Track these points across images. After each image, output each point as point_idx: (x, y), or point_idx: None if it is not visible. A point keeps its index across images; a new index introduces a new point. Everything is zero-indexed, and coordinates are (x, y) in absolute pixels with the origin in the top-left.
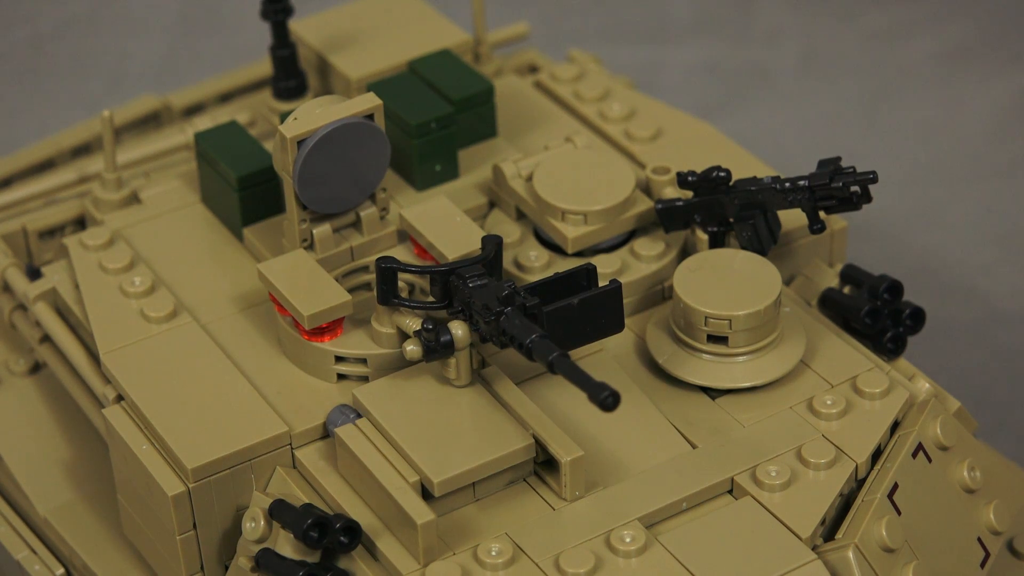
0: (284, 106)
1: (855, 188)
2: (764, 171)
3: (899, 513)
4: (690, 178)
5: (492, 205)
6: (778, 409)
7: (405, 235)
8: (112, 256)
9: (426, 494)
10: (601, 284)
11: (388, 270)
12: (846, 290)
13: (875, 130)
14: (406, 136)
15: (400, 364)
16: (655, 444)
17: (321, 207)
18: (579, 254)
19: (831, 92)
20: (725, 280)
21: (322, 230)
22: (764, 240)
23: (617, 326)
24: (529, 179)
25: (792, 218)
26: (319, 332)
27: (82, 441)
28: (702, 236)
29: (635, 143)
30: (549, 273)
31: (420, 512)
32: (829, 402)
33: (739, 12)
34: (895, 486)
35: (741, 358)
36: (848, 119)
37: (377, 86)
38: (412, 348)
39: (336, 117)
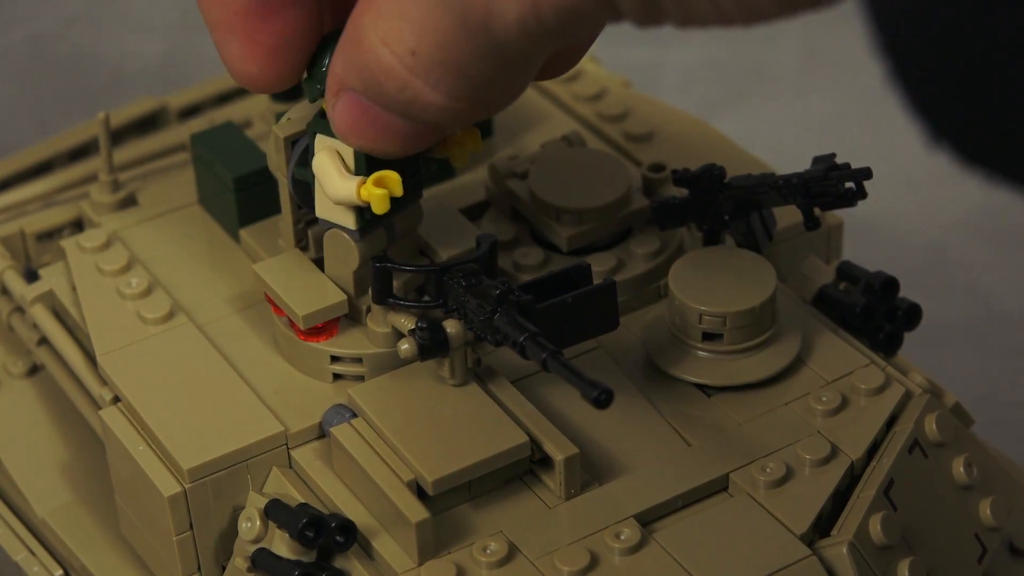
0: (280, 107)
1: (850, 184)
2: (763, 170)
3: (895, 509)
4: (685, 176)
5: (488, 204)
6: (774, 406)
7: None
8: (109, 258)
9: (421, 493)
10: (596, 282)
11: (383, 269)
12: (842, 286)
13: (875, 129)
14: None
15: (395, 363)
16: (650, 442)
17: None
18: (574, 252)
19: (831, 92)
20: (720, 277)
21: (317, 230)
22: (759, 237)
23: (612, 324)
24: (525, 178)
25: (787, 215)
26: (315, 332)
27: (80, 442)
28: (697, 234)
29: (631, 142)
30: (544, 271)
31: (415, 511)
32: (825, 398)
33: None
34: (891, 482)
35: (736, 355)
36: (848, 118)
37: None
38: (407, 347)
39: None
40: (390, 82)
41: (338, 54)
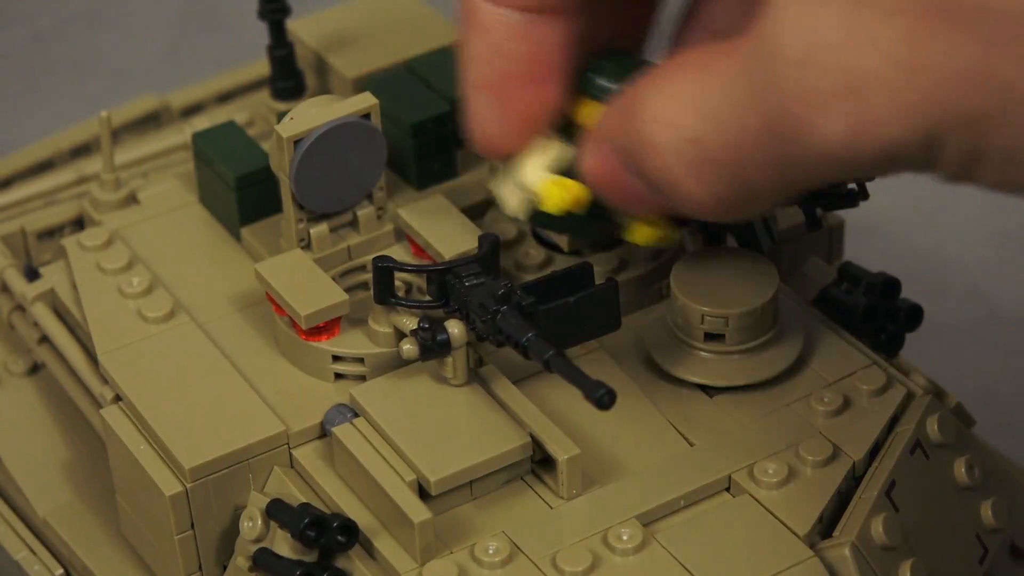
0: (282, 106)
1: (852, 185)
2: None
3: (897, 510)
4: None
5: (489, 203)
6: (775, 406)
7: (402, 234)
8: (110, 256)
9: (423, 493)
10: (598, 282)
11: (385, 269)
12: (844, 287)
13: None
14: (404, 135)
15: (397, 363)
16: (652, 442)
17: (318, 206)
18: (576, 252)
19: None
20: (722, 277)
21: (319, 230)
22: (761, 237)
23: (614, 324)
24: None
25: (789, 215)
26: (316, 331)
27: (81, 441)
28: (699, 234)
29: None
30: (546, 271)
31: (417, 511)
32: (827, 399)
33: None
34: (893, 483)
35: (738, 355)
36: None
37: (374, 85)
38: (409, 347)
39: (332, 117)
40: (653, 160)
41: (611, 112)
